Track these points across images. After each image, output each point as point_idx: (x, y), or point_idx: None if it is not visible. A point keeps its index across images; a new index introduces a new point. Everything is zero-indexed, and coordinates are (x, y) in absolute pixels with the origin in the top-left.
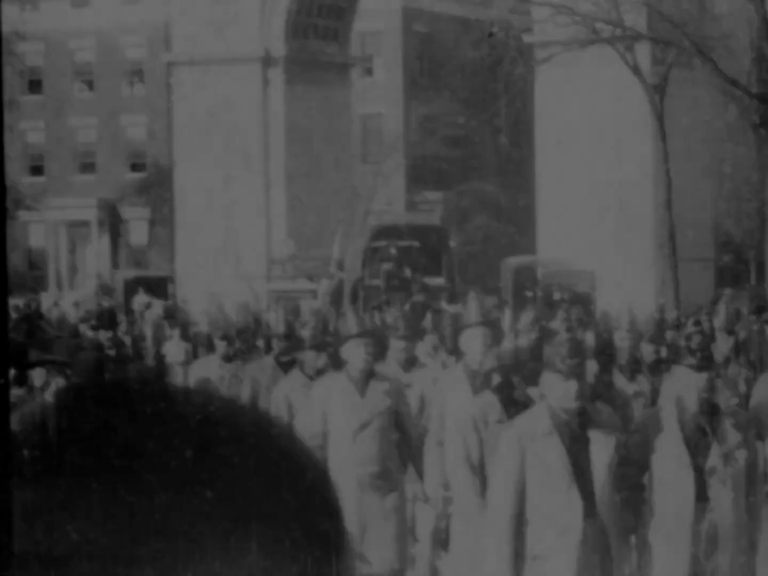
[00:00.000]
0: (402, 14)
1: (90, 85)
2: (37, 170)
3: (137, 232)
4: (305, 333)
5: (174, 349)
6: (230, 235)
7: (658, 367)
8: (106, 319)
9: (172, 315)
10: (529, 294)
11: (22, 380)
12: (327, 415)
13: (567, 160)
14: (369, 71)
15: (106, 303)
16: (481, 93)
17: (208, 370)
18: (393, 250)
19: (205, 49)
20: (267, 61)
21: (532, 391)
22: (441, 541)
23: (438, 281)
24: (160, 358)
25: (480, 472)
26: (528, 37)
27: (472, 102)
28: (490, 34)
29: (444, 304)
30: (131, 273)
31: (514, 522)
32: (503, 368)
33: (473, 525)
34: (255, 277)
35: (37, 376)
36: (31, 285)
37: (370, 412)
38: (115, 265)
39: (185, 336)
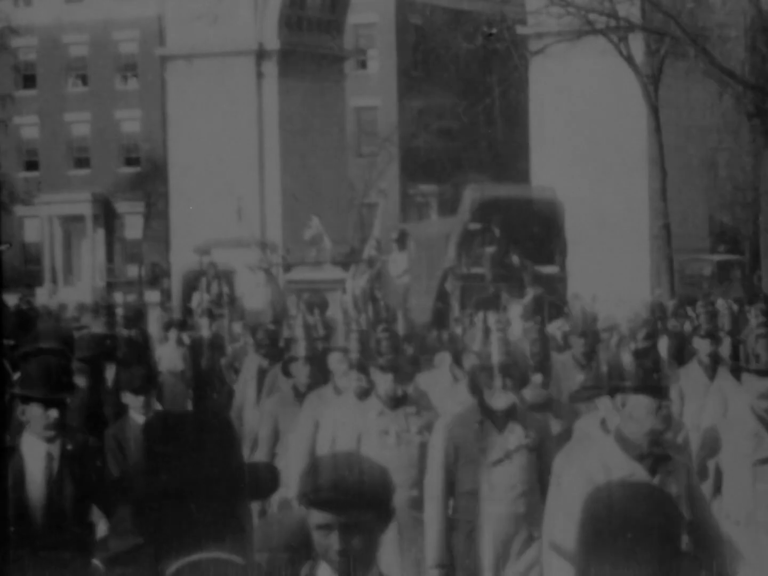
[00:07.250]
0: (396, 6)
1: (84, 79)
2: (31, 165)
3: (132, 226)
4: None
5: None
6: (225, 227)
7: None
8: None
9: (240, 317)
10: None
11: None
12: None
13: (561, 151)
14: (363, 63)
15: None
16: (476, 85)
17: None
18: (497, 231)
19: (198, 43)
20: (261, 54)
21: None
22: None
23: (551, 269)
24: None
25: None
26: (522, 28)
27: (466, 94)
28: (489, 35)
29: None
30: (192, 264)
31: None
32: None
33: None
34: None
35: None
36: (26, 280)
37: None
38: (110, 259)
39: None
